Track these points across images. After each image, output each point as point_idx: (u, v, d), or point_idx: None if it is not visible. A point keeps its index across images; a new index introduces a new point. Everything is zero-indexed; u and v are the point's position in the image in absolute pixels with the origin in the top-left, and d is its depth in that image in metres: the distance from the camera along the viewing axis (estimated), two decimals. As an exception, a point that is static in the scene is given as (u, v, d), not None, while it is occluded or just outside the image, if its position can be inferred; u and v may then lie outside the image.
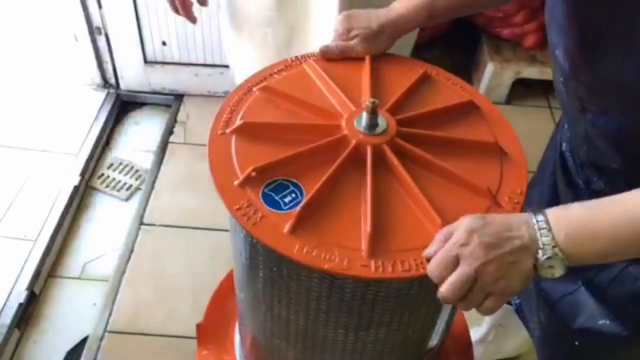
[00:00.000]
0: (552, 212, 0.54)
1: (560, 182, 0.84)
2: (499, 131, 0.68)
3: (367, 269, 0.54)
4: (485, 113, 0.71)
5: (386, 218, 0.58)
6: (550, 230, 0.52)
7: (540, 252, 0.52)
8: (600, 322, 0.78)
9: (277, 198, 0.59)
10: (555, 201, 0.87)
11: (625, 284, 0.73)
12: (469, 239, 0.52)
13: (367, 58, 0.75)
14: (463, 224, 0.53)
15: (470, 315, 1.00)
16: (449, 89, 0.74)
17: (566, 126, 0.79)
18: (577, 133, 0.72)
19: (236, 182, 0.60)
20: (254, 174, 0.60)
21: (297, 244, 0.55)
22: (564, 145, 0.81)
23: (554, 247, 0.52)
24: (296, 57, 0.76)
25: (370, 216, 0.56)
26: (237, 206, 0.58)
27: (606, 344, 0.82)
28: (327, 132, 0.64)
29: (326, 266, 0.54)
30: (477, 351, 1.33)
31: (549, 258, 0.52)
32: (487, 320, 1.32)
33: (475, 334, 1.34)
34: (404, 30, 0.77)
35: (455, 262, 0.52)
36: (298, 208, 0.57)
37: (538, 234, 0.52)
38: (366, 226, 0.56)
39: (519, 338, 1.27)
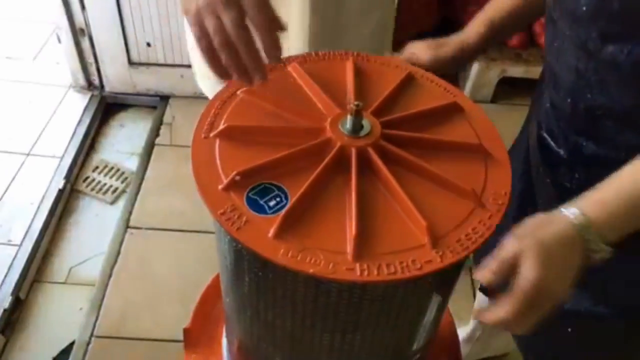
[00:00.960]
0: (589, 207, 0.57)
1: (536, 167, 0.85)
2: (483, 132, 0.69)
3: (353, 272, 0.54)
4: (469, 114, 0.71)
5: (371, 221, 0.57)
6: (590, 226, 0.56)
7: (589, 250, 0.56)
8: (586, 305, 0.80)
9: (261, 202, 0.58)
10: (528, 191, 0.88)
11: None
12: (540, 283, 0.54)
13: (351, 59, 0.75)
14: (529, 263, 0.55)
15: (456, 313, 1.00)
16: (432, 91, 0.74)
17: (550, 96, 0.79)
18: (578, 86, 0.71)
19: (220, 187, 0.59)
20: (238, 178, 0.59)
21: (281, 248, 0.55)
22: (542, 125, 0.82)
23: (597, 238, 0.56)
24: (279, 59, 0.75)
25: (355, 219, 0.56)
26: (221, 210, 0.58)
27: (598, 330, 0.83)
28: (312, 135, 0.64)
29: (311, 270, 0.53)
30: (464, 350, 1.34)
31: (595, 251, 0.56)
32: (474, 318, 1.33)
33: (462, 332, 1.34)
34: (469, 50, 0.82)
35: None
36: (282, 212, 0.57)
37: (585, 234, 0.56)
38: (351, 229, 0.55)
39: (506, 335, 1.28)
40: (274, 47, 0.59)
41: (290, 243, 0.55)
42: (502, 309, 0.56)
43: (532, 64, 2.09)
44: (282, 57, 0.63)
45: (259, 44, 0.61)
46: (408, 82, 0.74)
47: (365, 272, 0.54)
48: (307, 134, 0.64)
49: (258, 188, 0.59)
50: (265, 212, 0.57)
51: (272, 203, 0.58)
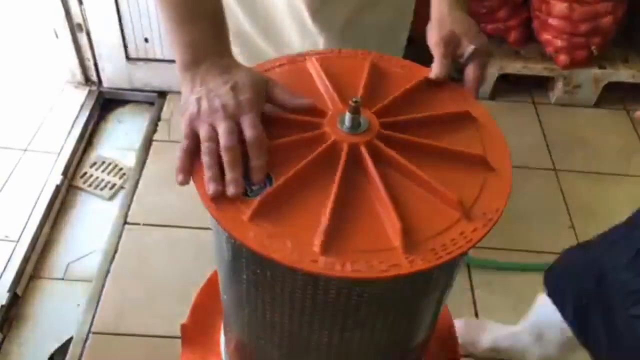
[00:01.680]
0: None
1: None
2: (491, 144, 0.67)
3: (316, 264, 0.53)
4: (481, 125, 0.69)
5: (347, 217, 0.57)
6: None
7: None
8: None
9: (245, 184, 0.59)
10: None
11: None
12: None
13: (369, 59, 0.74)
14: None
15: (454, 309, 1.00)
16: (447, 97, 0.72)
17: None
18: None
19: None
20: None
21: (253, 230, 0.55)
22: None
23: None
24: (300, 53, 0.75)
25: (329, 213, 0.56)
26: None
27: None
28: (309, 128, 0.64)
29: (275, 256, 0.54)
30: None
31: None
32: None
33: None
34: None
35: None
36: (260, 196, 0.57)
37: None
38: (324, 222, 0.55)
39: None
40: (261, 168, 0.60)
41: (262, 227, 0.56)
42: None
43: (531, 61, 2.09)
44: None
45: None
46: (422, 86, 0.72)
47: (329, 266, 0.53)
48: (304, 127, 0.64)
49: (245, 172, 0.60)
50: (246, 195, 0.58)
51: (255, 187, 0.59)
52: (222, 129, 0.61)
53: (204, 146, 0.61)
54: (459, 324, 1.42)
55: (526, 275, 1.63)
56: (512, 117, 2.08)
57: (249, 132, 0.61)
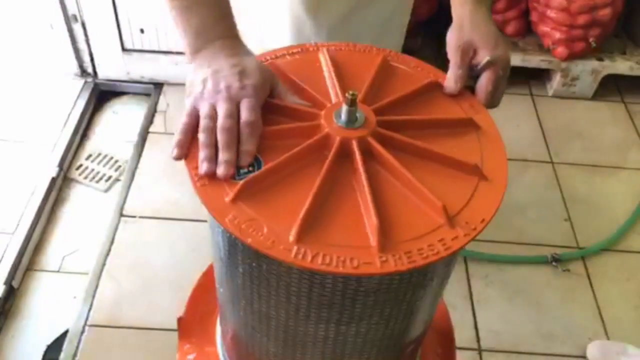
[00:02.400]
0: None
1: None
2: (490, 155, 0.64)
3: (287, 253, 0.53)
4: (484, 133, 0.67)
5: (328, 209, 0.56)
6: None
7: None
8: None
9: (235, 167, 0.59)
10: None
11: None
12: None
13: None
14: None
15: (451, 302, 1.00)
16: (456, 102, 0.71)
17: None
18: None
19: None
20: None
21: (232, 213, 0.55)
22: None
23: None
24: (313, 44, 0.75)
25: (309, 203, 0.55)
26: (195, 165, 0.59)
27: None
28: (306, 118, 0.64)
29: (249, 240, 0.54)
30: None
31: None
32: None
33: None
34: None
35: None
36: (245, 179, 0.57)
37: None
38: (303, 212, 0.55)
39: None
40: (249, 153, 0.60)
41: (241, 211, 0.56)
42: None
43: (529, 53, 2.08)
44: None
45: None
46: (431, 89, 0.71)
47: (300, 256, 0.53)
48: (301, 117, 0.64)
49: None
50: (233, 177, 0.58)
51: (244, 170, 0.59)
52: (222, 110, 0.61)
53: (202, 123, 0.61)
54: (593, 347, 1.39)
55: (522, 268, 1.63)
56: (510, 109, 2.07)
57: (245, 115, 0.61)
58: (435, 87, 0.71)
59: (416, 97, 0.69)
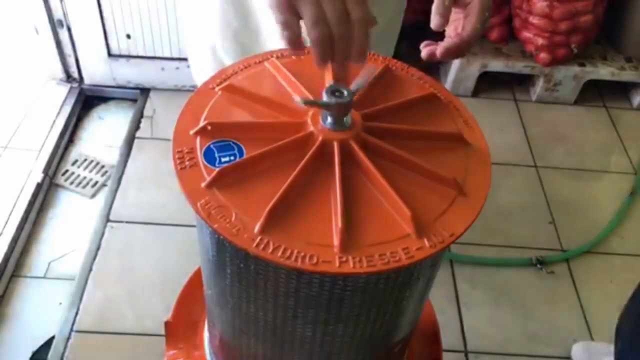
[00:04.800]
0: None
1: None
2: (475, 172, 0.64)
3: (250, 242, 0.54)
4: (473, 150, 0.66)
5: (299, 204, 0.57)
6: None
7: None
8: None
9: (216, 155, 0.60)
10: None
11: None
12: None
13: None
14: None
15: (437, 303, 1.01)
16: (449, 116, 0.71)
17: None
18: None
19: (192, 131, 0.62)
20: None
21: (205, 198, 0.56)
22: None
23: None
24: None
25: (279, 196, 0.56)
26: (179, 149, 0.60)
27: None
28: (294, 130, 0.64)
29: (215, 225, 0.55)
30: None
31: None
32: None
33: None
34: None
35: None
36: (221, 167, 0.58)
37: None
38: (271, 204, 0.56)
39: None
40: (364, 47, 0.57)
41: (214, 197, 0.57)
42: None
43: (512, 59, 2.11)
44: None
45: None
46: (423, 101, 0.72)
47: (261, 247, 0.54)
48: (289, 129, 0.64)
49: (221, 143, 0.62)
50: (214, 165, 0.59)
51: (225, 159, 0.60)
52: (332, 10, 0.54)
53: (336, 29, 0.55)
54: (578, 348, 1.40)
55: (507, 270, 1.65)
56: (494, 114, 2.10)
57: (355, 8, 0.55)
58: (433, 99, 0.71)
59: (411, 108, 0.69)
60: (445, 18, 0.70)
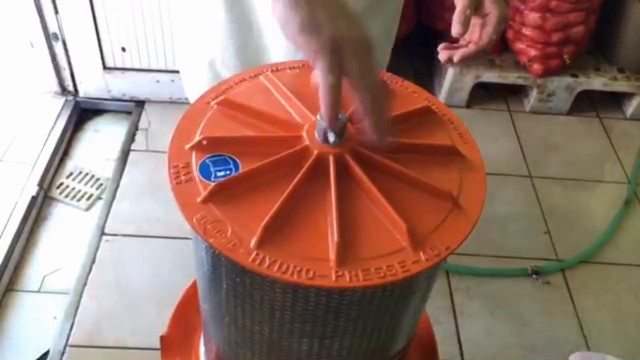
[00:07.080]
0: None
1: None
2: (469, 185, 0.64)
3: (247, 257, 0.54)
4: (468, 163, 0.67)
5: (295, 218, 0.57)
6: None
7: None
8: None
9: (212, 169, 0.60)
10: None
11: None
12: None
13: None
14: None
15: (433, 315, 1.01)
16: (445, 132, 0.71)
17: None
18: None
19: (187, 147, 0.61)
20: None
21: (200, 212, 0.56)
22: None
23: None
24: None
25: (274, 211, 0.56)
26: (175, 164, 0.60)
27: None
28: (290, 144, 0.64)
29: (211, 240, 0.55)
30: None
31: None
32: None
33: None
34: None
35: None
36: (217, 182, 0.58)
37: None
38: (267, 218, 0.56)
39: None
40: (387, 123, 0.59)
41: (210, 212, 0.57)
42: None
43: (505, 70, 2.13)
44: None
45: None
46: (421, 115, 0.72)
47: (257, 262, 0.54)
48: (284, 143, 0.64)
49: (217, 158, 0.62)
50: (209, 179, 0.60)
51: (220, 174, 0.60)
52: (356, 64, 0.55)
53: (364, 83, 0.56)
54: (574, 358, 1.39)
55: (504, 281, 1.65)
56: (488, 125, 2.11)
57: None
58: (428, 113, 0.72)
59: (406, 121, 0.70)
60: (465, 27, 0.77)
